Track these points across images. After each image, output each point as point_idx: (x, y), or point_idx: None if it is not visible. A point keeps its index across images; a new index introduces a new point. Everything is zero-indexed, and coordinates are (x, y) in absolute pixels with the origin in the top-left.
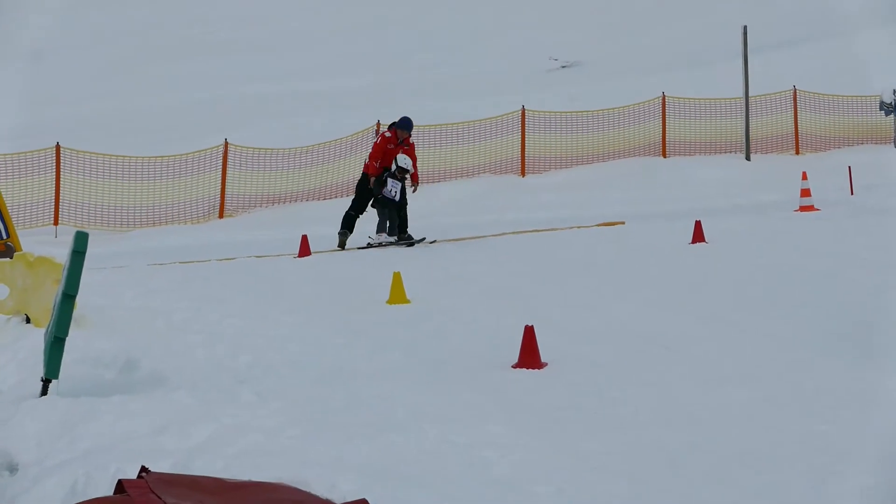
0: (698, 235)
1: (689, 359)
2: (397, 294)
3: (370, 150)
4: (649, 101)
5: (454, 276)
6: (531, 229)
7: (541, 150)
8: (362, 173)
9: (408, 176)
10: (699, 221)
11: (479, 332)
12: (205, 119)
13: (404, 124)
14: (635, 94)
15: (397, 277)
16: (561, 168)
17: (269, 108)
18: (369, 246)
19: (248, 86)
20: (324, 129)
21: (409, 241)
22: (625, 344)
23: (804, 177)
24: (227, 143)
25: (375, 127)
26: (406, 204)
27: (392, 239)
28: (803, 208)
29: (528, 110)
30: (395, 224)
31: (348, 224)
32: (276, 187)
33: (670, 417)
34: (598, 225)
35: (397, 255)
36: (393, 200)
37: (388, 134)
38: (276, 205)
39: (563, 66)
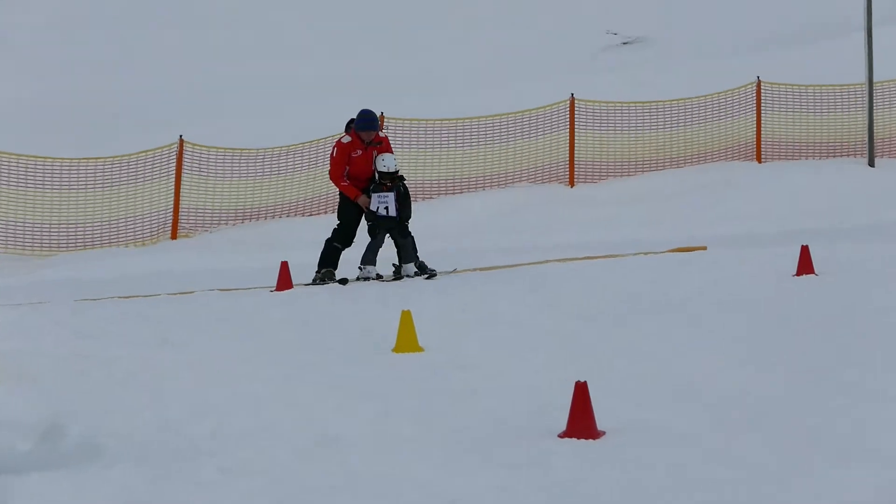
0: (805, 265)
1: (795, 430)
2: (407, 340)
3: (328, 169)
4: (739, 88)
5: (481, 317)
6: (582, 256)
7: (595, 153)
8: (339, 195)
9: (397, 176)
10: (806, 247)
11: (513, 391)
12: (153, 109)
13: (365, 122)
14: (720, 80)
15: (407, 318)
16: (622, 175)
17: (238, 97)
18: (357, 279)
19: (210, 67)
20: (311, 125)
21: (416, 272)
22: (706, 409)
23: None
24: (182, 141)
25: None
26: (409, 217)
27: (371, 274)
28: None
29: (578, 100)
30: (408, 250)
31: (331, 260)
32: (248, 199)
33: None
34: (672, 251)
35: (407, 288)
36: (391, 218)
37: (346, 139)
38: (246, 222)
39: (625, 43)
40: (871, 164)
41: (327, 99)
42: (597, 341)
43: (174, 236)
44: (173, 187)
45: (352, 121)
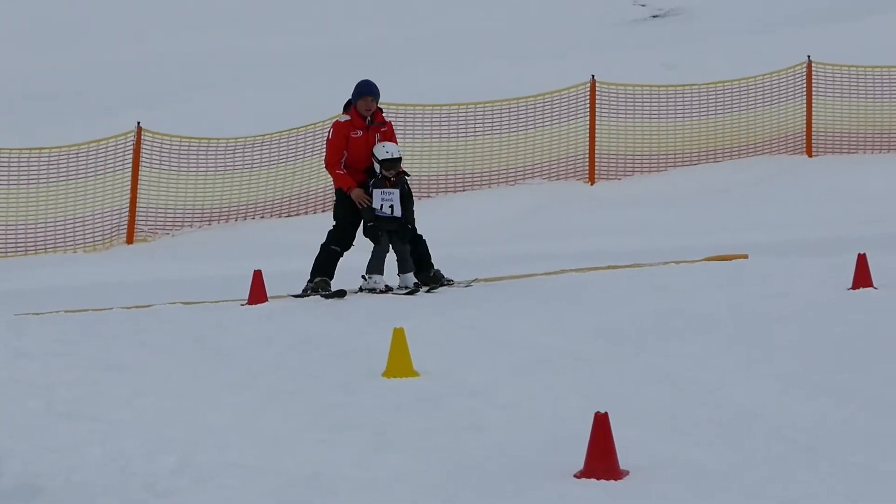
0: (862, 277)
1: (849, 468)
2: (399, 363)
3: (324, 155)
4: (787, 69)
5: (486, 337)
6: (604, 265)
7: (620, 144)
8: (335, 191)
9: (399, 169)
10: (863, 256)
11: (523, 423)
12: (103, 90)
13: (360, 89)
14: (764, 60)
15: (399, 337)
16: (650, 172)
17: (205, 76)
18: (360, 290)
19: (172, 40)
20: (289, 109)
21: (433, 284)
22: (748, 443)
23: None
24: (139, 129)
25: None
26: (413, 220)
27: (380, 285)
28: None
29: (600, 83)
30: (405, 257)
31: (327, 266)
32: (216, 196)
33: None
34: (708, 259)
35: (400, 302)
36: (393, 219)
37: (344, 118)
38: (214, 223)
39: (655, 16)
40: None
41: (309, 79)
42: (621, 365)
43: (130, 240)
44: (129, 183)
45: (348, 103)
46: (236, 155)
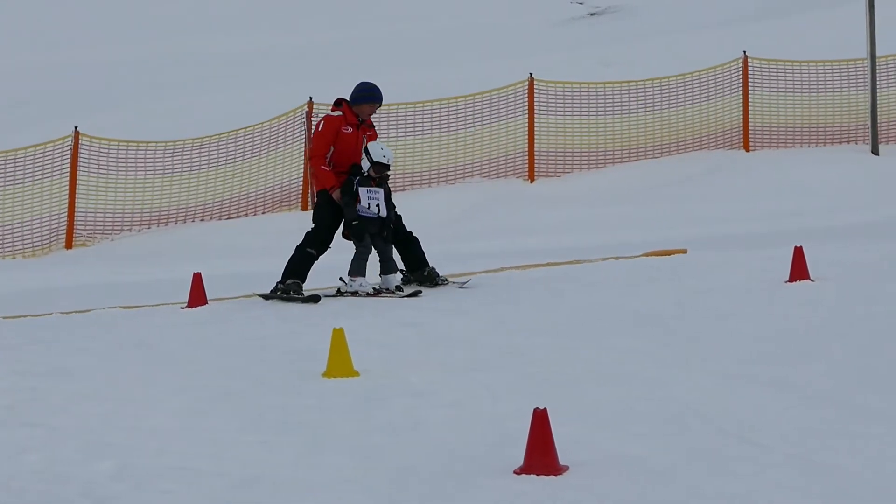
0: (799, 270)
1: (787, 461)
2: (339, 363)
3: (310, 147)
4: (723, 65)
5: (427, 335)
6: (544, 262)
7: (559, 141)
8: (317, 192)
9: (389, 174)
10: (800, 248)
11: (464, 421)
12: (40, 95)
13: (366, 94)
14: (701, 56)
15: (339, 337)
16: (589, 169)
17: (142, 79)
18: (340, 294)
19: (112, 45)
20: (228, 112)
21: (428, 283)
22: (689, 437)
23: None
24: (77, 133)
25: (307, 107)
26: (399, 217)
27: (367, 288)
28: None
29: (538, 81)
30: (388, 257)
31: (300, 268)
32: (155, 201)
33: None
34: (648, 255)
35: (340, 303)
36: (376, 219)
37: (336, 113)
38: (153, 227)
39: (592, 14)
40: (875, 151)
41: (246, 82)
42: (561, 362)
43: (69, 245)
44: (67, 188)
45: (339, 101)
46: (175, 158)
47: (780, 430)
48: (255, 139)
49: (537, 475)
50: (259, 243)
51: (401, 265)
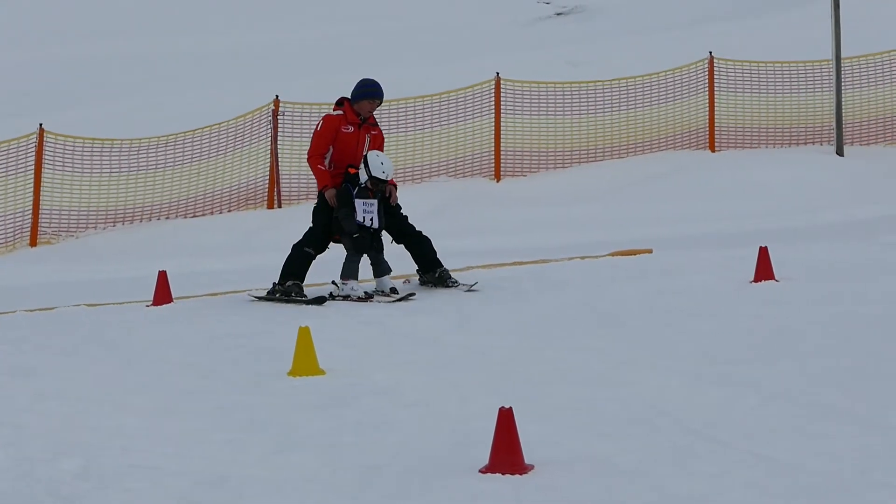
0: (764, 270)
1: (751, 460)
2: (305, 362)
3: (308, 148)
4: (689, 65)
5: (392, 334)
6: (510, 262)
7: (525, 141)
8: (318, 193)
9: (386, 187)
10: (765, 249)
11: (429, 420)
12: (5, 91)
13: (365, 90)
14: (666, 56)
15: (305, 336)
16: (554, 168)
17: (109, 77)
18: (332, 298)
19: (72, 42)
20: (195, 110)
21: (441, 284)
22: (654, 436)
23: None
24: (42, 131)
25: (272, 106)
26: (405, 218)
27: (358, 291)
28: None
29: (504, 80)
30: (380, 261)
31: (299, 269)
32: (120, 198)
33: None
34: (613, 254)
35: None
36: (368, 231)
37: (336, 113)
38: (118, 225)
39: (559, 14)
40: (840, 152)
41: (213, 81)
42: (527, 361)
43: (33, 243)
44: (32, 185)
45: (341, 100)
46: (140, 156)
47: (746, 430)
48: (222, 137)
49: (503, 474)
50: (225, 241)
51: (416, 266)
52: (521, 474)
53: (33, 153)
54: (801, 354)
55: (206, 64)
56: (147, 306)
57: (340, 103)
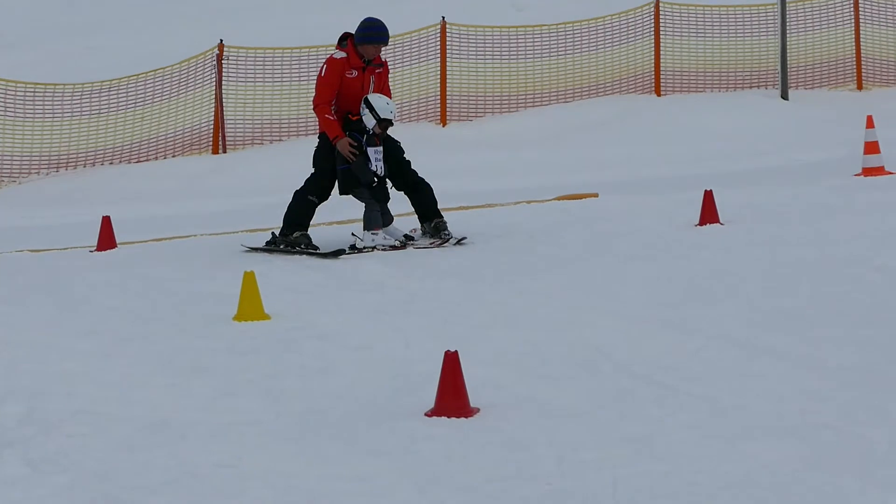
0: (709, 213)
1: (695, 402)
2: (250, 306)
3: (314, 94)
4: (635, 9)
5: (337, 279)
6: (456, 206)
7: (471, 85)
8: (319, 134)
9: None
10: (710, 192)
11: (374, 364)
12: None
13: (371, 34)
14: (613, 0)
15: (250, 281)
16: (500, 112)
17: (52, 20)
18: (354, 250)
19: None
20: (139, 54)
21: (442, 238)
22: (598, 379)
23: (870, 123)
24: None
25: (217, 50)
26: (408, 162)
27: (390, 240)
28: (868, 171)
29: (450, 24)
30: (385, 210)
31: (303, 218)
32: (62, 144)
33: (668, 493)
34: (559, 199)
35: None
36: (378, 178)
37: (340, 55)
38: (60, 170)
39: None
40: (785, 96)
41: (156, 24)
42: (472, 305)
43: None
44: None
45: (345, 36)
46: (83, 101)
47: (689, 372)
48: (166, 82)
49: (448, 417)
50: (169, 187)
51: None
52: (466, 417)
53: None
54: (746, 297)
55: (151, 7)
56: (91, 252)
57: (344, 40)
